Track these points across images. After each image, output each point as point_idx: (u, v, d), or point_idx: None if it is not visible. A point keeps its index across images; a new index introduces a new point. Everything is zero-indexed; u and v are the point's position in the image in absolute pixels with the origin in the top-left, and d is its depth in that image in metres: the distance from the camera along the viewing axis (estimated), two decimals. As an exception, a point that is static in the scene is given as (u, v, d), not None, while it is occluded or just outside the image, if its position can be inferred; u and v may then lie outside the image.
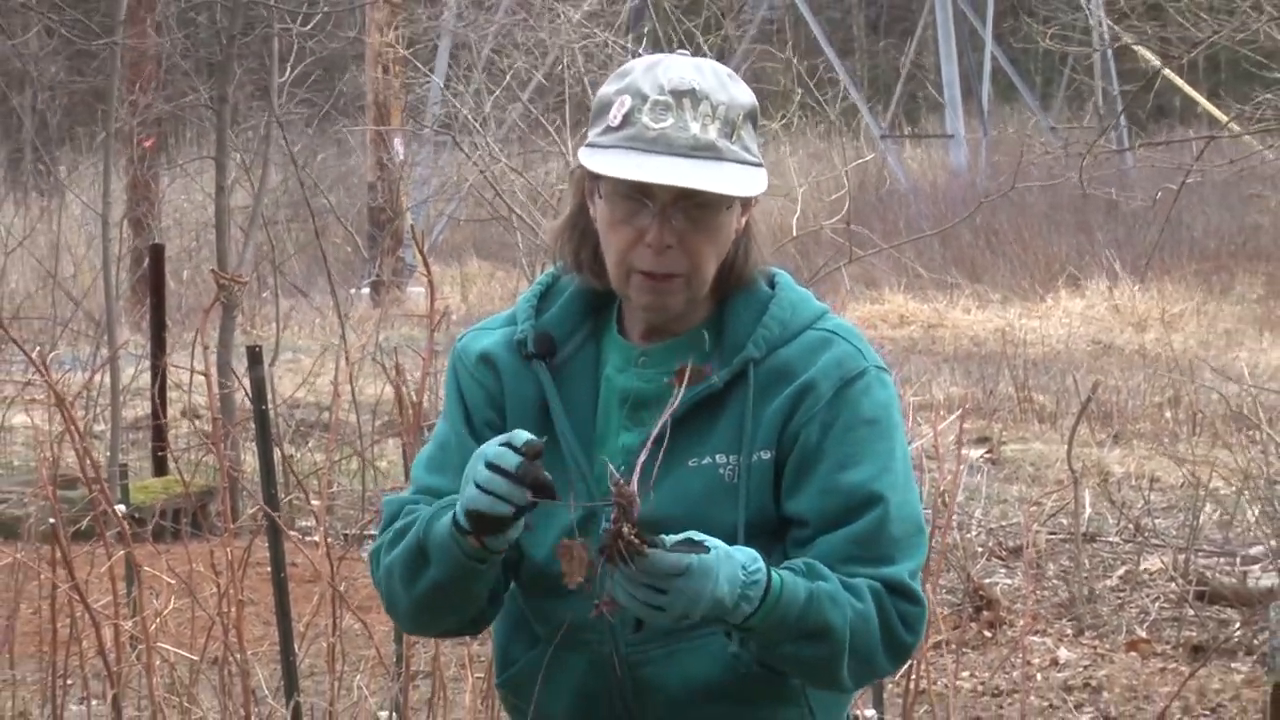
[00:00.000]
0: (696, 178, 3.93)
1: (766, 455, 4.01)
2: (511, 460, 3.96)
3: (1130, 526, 14.63)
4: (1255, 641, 11.78)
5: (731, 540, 3.92)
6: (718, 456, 4.03)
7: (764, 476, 4.01)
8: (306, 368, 15.55)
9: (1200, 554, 13.78)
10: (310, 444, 13.60)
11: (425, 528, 4.19)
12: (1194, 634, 12.64)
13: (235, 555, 7.82)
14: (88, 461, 8.01)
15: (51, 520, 7.75)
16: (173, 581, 8.29)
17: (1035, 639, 11.89)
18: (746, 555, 3.95)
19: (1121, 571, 13.85)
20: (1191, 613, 13.03)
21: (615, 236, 4.01)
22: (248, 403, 9.45)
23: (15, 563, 9.08)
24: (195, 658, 8.13)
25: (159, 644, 7.84)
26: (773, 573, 3.99)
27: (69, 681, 8.18)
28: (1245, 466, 14.20)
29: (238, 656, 7.63)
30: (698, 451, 4.03)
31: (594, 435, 4.11)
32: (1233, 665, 11.95)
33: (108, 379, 14.61)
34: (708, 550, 3.87)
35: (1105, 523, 14.88)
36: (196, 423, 13.65)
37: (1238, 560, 13.73)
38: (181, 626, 8.51)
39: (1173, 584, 13.39)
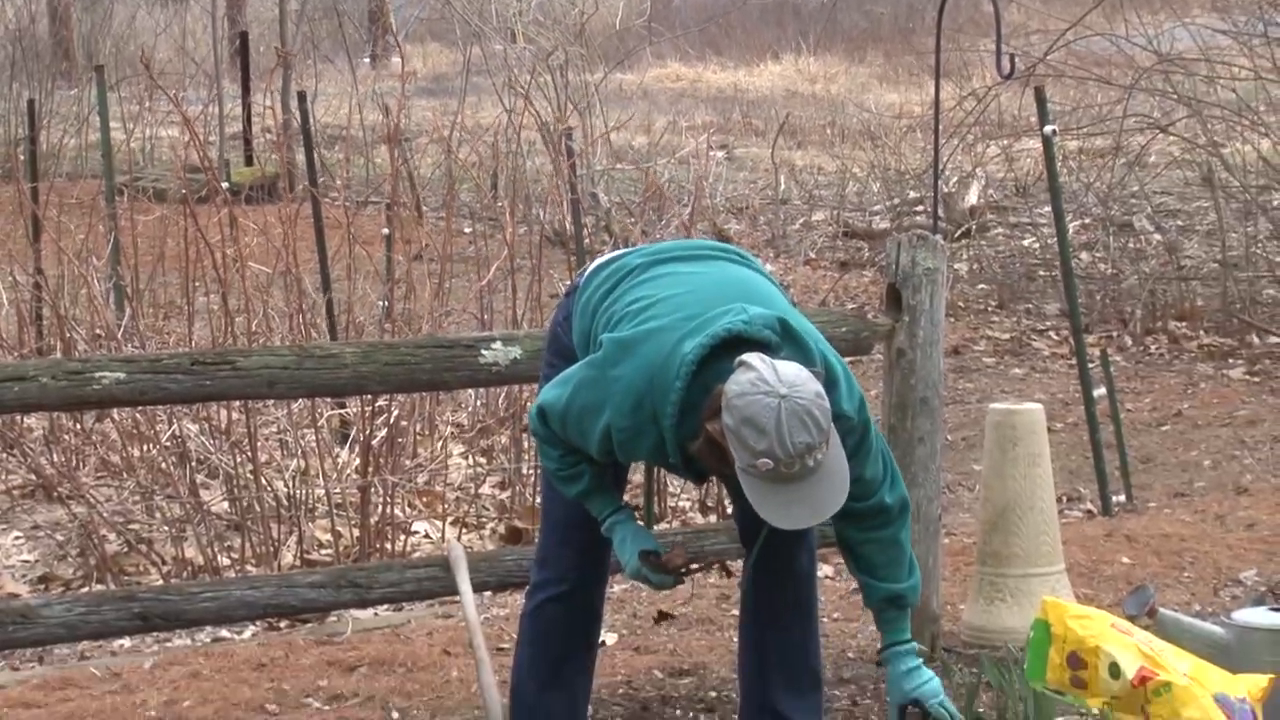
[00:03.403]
0: (819, 510, 3.66)
1: None
2: (655, 580, 3.93)
3: (807, 194, 15.50)
4: (877, 259, 12.46)
5: None
6: None
7: None
8: (334, 104, 15.37)
9: (846, 210, 14.65)
10: (336, 148, 13.29)
11: (594, 512, 4.00)
12: (842, 256, 13.66)
13: (292, 211, 8.13)
14: (206, 158, 8.41)
15: (184, 191, 8.04)
16: (256, 227, 8.81)
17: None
18: (938, 685, 4.03)
19: (800, 221, 14.73)
20: (840, 244, 14.17)
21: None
22: (297, 123, 9.83)
23: (163, 216, 9.54)
24: (270, 270, 8.58)
25: (249, 263, 8.27)
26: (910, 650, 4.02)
27: (196, 284, 8.32)
28: (872, 159, 15.07)
29: (294, 270, 7.96)
30: None
31: None
32: (864, 274, 12.94)
33: (216, 109, 14.82)
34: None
35: (792, 193, 15.58)
36: (269, 135, 13.59)
37: (867, 213, 14.68)
38: (263, 253, 8.83)
39: (830, 228, 14.32)
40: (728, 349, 3.67)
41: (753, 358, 3.62)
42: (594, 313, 4.01)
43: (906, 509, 4.02)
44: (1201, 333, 11.70)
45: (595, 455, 3.85)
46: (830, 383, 3.77)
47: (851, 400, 3.86)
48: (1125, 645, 4.25)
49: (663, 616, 5.96)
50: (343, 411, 8.09)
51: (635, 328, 3.81)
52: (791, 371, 3.60)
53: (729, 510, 5.54)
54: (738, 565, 4.68)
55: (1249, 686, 4.27)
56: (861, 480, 3.88)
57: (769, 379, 3.56)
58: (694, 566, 4.08)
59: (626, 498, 6.89)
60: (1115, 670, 4.19)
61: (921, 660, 4.05)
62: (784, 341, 3.74)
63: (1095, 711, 4.34)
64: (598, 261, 4.17)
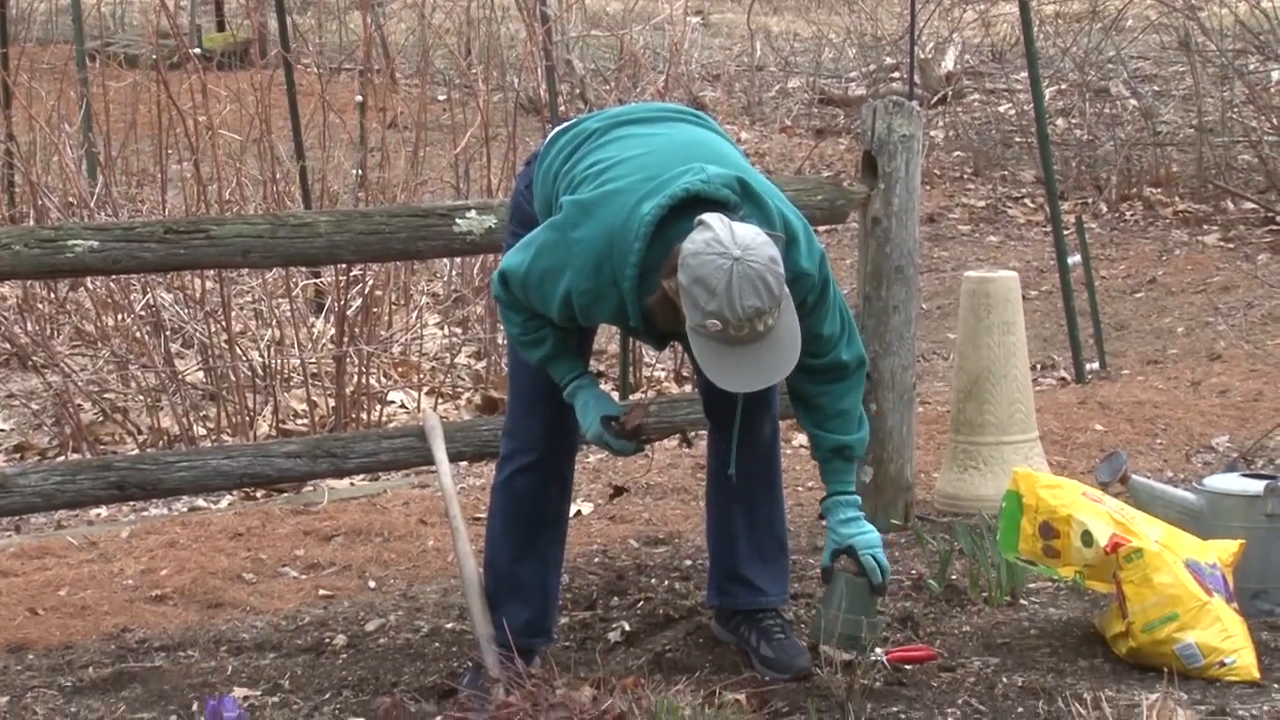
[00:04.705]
0: (764, 375, 3.67)
1: None
2: (615, 445, 3.90)
3: (783, 61, 15.17)
4: (853, 126, 12.35)
5: None
6: None
7: None
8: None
9: (822, 76, 14.48)
10: (308, 13, 12.62)
11: (556, 377, 3.96)
12: (818, 123, 13.56)
13: (265, 78, 8.20)
14: (177, 23, 8.54)
15: (155, 57, 8.01)
16: (228, 93, 8.78)
17: (729, 127, 12.29)
18: (874, 538, 3.99)
19: (776, 88, 14.55)
20: (816, 111, 14.03)
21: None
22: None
23: (135, 82, 9.37)
24: (243, 138, 8.62)
25: (222, 131, 8.23)
26: (851, 502, 3.99)
27: (169, 151, 8.41)
28: (848, 24, 14.83)
29: (268, 138, 7.96)
30: None
31: None
32: (839, 141, 12.82)
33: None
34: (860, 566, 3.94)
35: (768, 59, 15.34)
36: (240, -1, 13.81)
37: (843, 79, 14.51)
38: (235, 121, 8.81)
39: (806, 95, 14.14)
40: (687, 209, 3.65)
41: (711, 218, 3.59)
42: (555, 178, 3.97)
43: (862, 366, 4.02)
44: (1177, 199, 11.68)
45: (557, 320, 3.83)
46: (789, 240, 3.76)
47: (811, 258, 3.84)
48: (1097, 513, 4.28)
49: (618, 492, 5.99)
50: (317, 281, 8.10)
51: (595, 190, 3.77)
52: (748, 234, 3.58)
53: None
54: (699, 437, 4.66)
55: (1220, 552, 4.32)
56: (820, 337, 3.88)
57: (724, 240, 3.54)
58: (653, 436, 4.11)
59: (602, 368, 6.92)
60: (1088, 538, 4.22)
61: (862, 514, 4.04)
62: (743, 200, 3.71)
63: (1068, 581, 4.37)
64: (558, 128, 4.11)
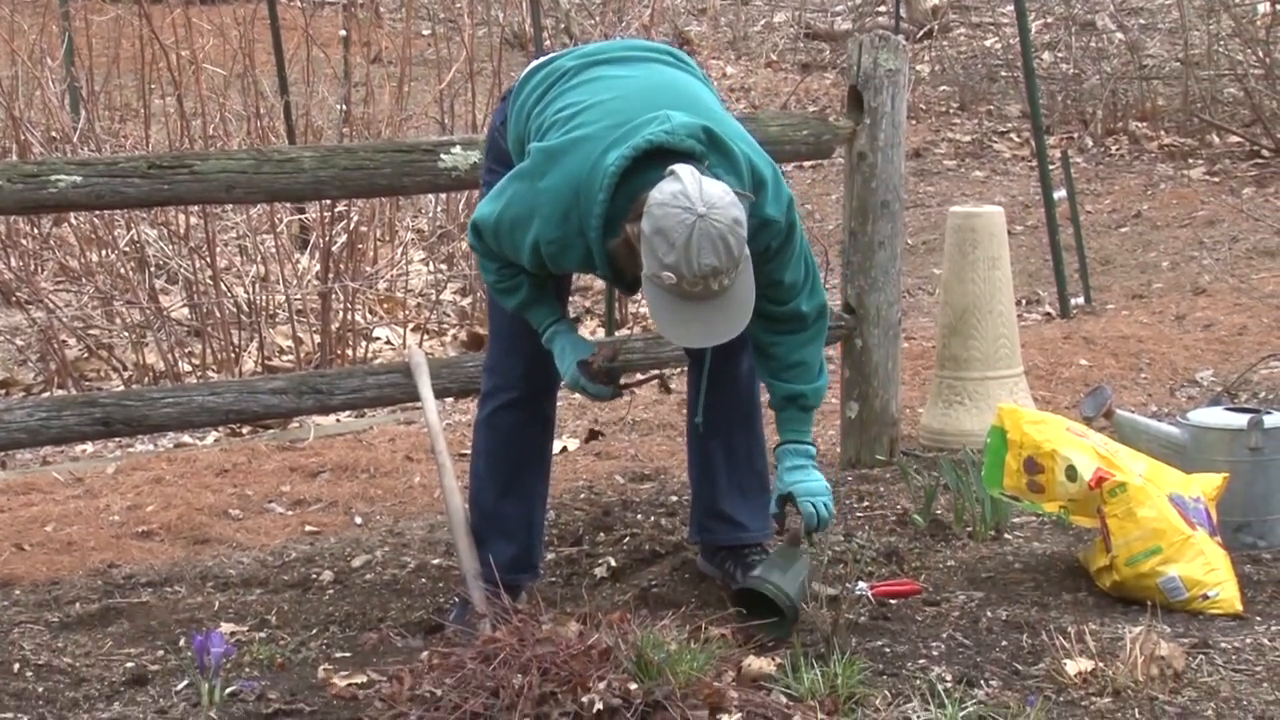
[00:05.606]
0: (714, 334, 3.66)
1: None
2: (592, 390, 3.90)
3: None
4: (839, 61, 12.36)
5: None
6: None
7: None
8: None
9: (808, 10, 14.35)
10: None
11: (533, 323, 3.96)
12: (804, 58, 13.49)
13: (248, 12, 8.20)
14: None
15: None
16: (212, 27, 8.74)
17: (715, 62, 12.55)
18: (817, 486, 3.94)
19: (761, 23, 14.44)
20: (802, 45, 13.96)
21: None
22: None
23: (117, 16, 9.29)
24: (226, 73, 8.57)
25: (205, 65, 8.22)
26: (805, 450, 3.95)
27: (152, 86, 8.26)
28: None
29: (251, 73, 7.92)
30: None
31: None
32: (825, 76, 12.81)
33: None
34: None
35: None
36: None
37: (829, 13, 14.38)
38: (219, 55, 8.70)
39: (792, 29, 14.05)
40: (652, 159, 3.61)
41: (683, 170, 3.56)
42: (527, 117, 3.93)
43: (823, 317, 3.99)
44: (1162, 133, 11.67)
45: (528, 267, 3.82)
46: (757, 186, 3.72)
47: (779, 203, 3.80)
48: (1082, 448, 4.29)
49: (593, 435, 5.98)
50: (302, 217, 8.05)
51: (562, 136, 3.74)
52: (716, 192, 3.53)
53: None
54: (680, 374, 4.64)
55: (1203, 486, 4.34)
56: (781, 285, 3.86)
57: (691, 194, 3.51)
58: (638, 376, 4.08)
59: (588, 304, 6.89)
60: (1072, 473, 4.23)
61: (813, 464, 4.01)
62: (709, 150, 3.67)
63: (1052, 515, 4.38)
64: (533, 64, 4.07)
